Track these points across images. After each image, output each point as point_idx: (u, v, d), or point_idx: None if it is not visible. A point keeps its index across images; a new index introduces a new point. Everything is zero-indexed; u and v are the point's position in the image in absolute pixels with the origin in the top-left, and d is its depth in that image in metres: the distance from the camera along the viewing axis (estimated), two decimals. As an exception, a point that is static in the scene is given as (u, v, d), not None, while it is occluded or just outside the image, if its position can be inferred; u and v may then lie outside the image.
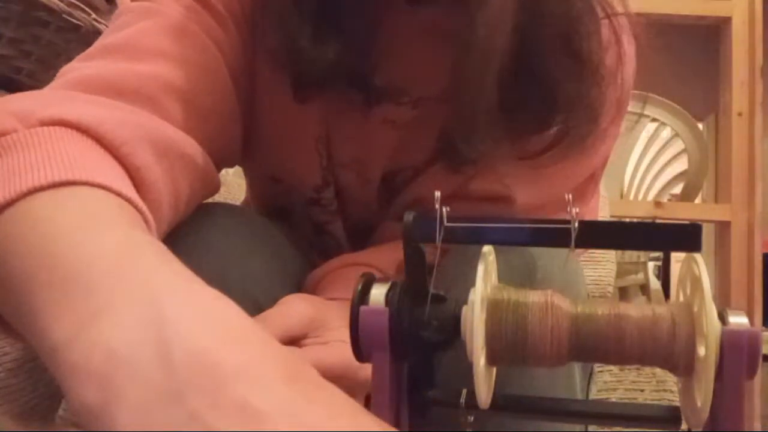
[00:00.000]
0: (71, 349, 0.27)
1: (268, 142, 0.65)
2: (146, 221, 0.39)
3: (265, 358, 0.26)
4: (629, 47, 0.59)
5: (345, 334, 0.38)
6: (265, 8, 0.58)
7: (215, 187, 0.57)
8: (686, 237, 0.34)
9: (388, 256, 0.61)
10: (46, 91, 0.47)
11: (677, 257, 2.99)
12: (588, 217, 0.67)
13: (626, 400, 1.09)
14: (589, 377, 0.61)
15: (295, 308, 0.51)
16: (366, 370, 0.47)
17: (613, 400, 1.09)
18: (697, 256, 0.35)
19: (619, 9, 0.57)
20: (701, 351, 0.33)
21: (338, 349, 0.48)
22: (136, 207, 0.38)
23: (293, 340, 0.49)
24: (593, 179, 0.65)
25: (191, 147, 0.51)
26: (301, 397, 0.25)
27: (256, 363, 0.26)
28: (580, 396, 0.55)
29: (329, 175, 0.65)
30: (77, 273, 0.30)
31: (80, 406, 0.26)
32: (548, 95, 0.54)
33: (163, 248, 0.33)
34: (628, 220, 1.90)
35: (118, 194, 0.37)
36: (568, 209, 0.34)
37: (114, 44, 0.52)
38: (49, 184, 0.35)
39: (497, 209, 0.61)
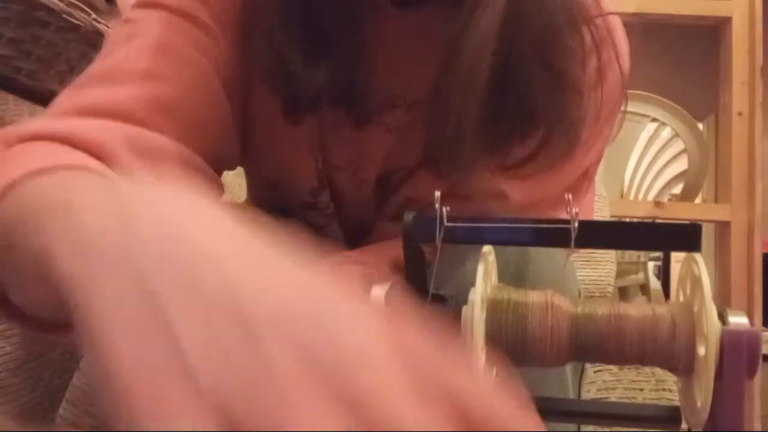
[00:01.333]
0: (62, 225, 0.27)
1: (264, 146, 0.65)
2: None
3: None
4: (610, 53, 0.58)
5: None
6: (254, 29, 0.58)
7: (219, 193, 0.57)
8: (686, 237, 0.34)
9: (382, 254, 0.61)
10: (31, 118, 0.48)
11: (677, 257, 2.99)
12: (582, 214, 0.67)
13: (625, 400, 1.09)
14: (580, 374, 0.61)
15: None
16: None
17: (613, 399, 1.09)
18: (697, 256, 0.35)
19: (604, 10, 0.57)
20: (701, 351, 0.33)
21: None
22: None
23: None
24: (587, 176, 0.65)
25: (187, 155, 0.52)
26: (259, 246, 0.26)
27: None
28: (571, 393, 0.55)
29: (325, 178, 0.65)
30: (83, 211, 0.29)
31: (63, 275, 0.25)
32: (528, 108, 0.54)
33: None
34: (628, 220, 1.90)
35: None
36: (568, 209, 0.34)
37: (101, 72, 0.53)
38: (42, 169, 0.35)
39: (491, 207, 0.61)
